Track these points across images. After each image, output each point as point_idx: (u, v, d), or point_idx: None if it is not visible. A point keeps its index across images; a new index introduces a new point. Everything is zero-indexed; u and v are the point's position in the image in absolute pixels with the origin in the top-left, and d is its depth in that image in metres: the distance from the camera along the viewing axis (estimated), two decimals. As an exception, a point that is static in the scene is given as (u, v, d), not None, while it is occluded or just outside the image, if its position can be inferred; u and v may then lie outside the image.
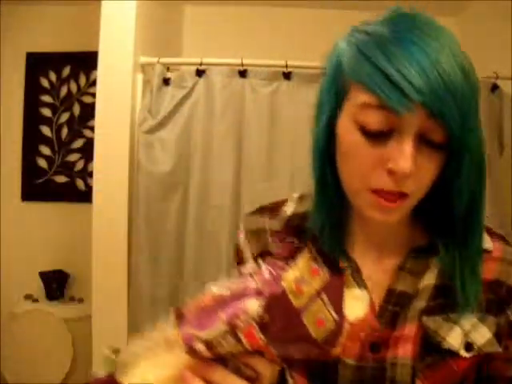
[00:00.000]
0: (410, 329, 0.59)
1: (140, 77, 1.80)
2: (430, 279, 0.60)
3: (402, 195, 0.53)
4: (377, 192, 0.53)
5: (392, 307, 0.60)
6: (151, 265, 1.73)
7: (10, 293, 2.45)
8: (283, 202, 0.71)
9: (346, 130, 0.54)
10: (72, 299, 2.45)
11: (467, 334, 0.59)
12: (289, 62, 1.77)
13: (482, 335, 0.59)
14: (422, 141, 0.51)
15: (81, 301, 2.43)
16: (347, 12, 2.50)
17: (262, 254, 0.67)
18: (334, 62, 0.56)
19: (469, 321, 0.59)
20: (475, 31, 2.24)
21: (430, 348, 0.58)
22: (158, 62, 1.77)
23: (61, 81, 2.55)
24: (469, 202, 0.55)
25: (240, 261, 0.70)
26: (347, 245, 0.63)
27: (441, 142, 0.51)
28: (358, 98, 0.52)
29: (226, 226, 1.73)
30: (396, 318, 0.60)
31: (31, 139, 2.56)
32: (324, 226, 0.61)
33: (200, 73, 1.78)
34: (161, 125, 1.76)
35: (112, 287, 1.72)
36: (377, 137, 0.51)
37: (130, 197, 1.74)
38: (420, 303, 0.60)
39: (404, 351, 0.59)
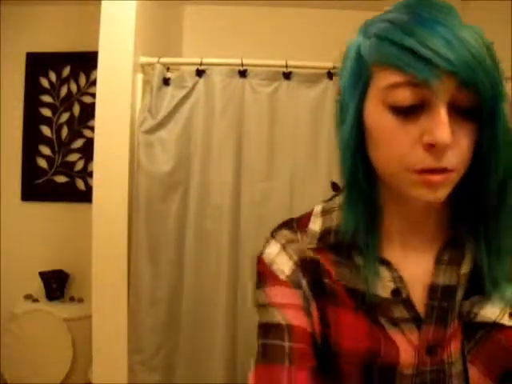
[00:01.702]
0: (457, 322, 0.59)
1: (140, 77, 1.80)
2: (467, 267, 0.59)
3: (446, 171, 0.51)
4: (419, 171, 0.52)
5: (438, 303, 0.59)
6: (151, 265, 1.73)
7: (10, 293, 2.45)
8: (306, 218, 0.68)
9: (376, 115, 0.54)
10: (72, 299, 2.45)
11: (508, 302, 0.57)
12: (289, 62, 1.77)
13: None
14: (454, 111, 0.50)
15: (81, 301, 2.43)
16: (347, 12, 2.50)
17: (303, 262, 0.64)
18: (353, 55, 0.56)
19: (508, 289, 0.57)
20: (475, 31, 2.24)
21: (472, 329, 0.58)
22: (158, 62, 1.77)
23: (61, 81, 2.55)
24: (502, 179, 0.54)
25: (270, 276, 0.64)
26: (383, 245, 0.62)
27: (472, 108, 0.50)
28: (385, 80, 0.52)
29: (225, 225, 1.73)
30: (445, 314, 0.59)
31: (31, 139, 2.56)
32: (358, 226, 0.59)
33: (200, 73, 1.77)
34: (161, 125, 1.76)
35: (112, 287, 1.72)
36: (408, 113, 0.51)
37: (130, 197, 1.74)
38: (461, 292, 0.59)
39: (455, 345, 0.58)
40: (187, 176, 1.76)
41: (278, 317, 0.61)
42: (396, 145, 0.52)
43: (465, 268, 0.59)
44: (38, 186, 2.56)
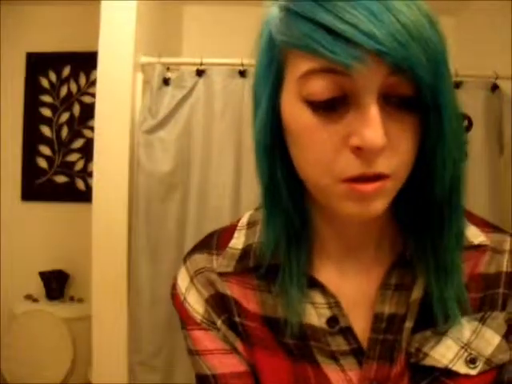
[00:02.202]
0: (404, 358, 0.49)
1: (140, 77, 1.80)
2: (418, 293, 0.50)
3: (381, 177, 0.41)
4: (347, 180, 0.42)
5: (383, 336, 0.49)
6: (151, 265, 1.73)
7: (10, 293, 2.45)
8: (230, 232, 0.58)
9: (292, 111, 0.43)
10: (72, 299, 2.45)
11: (467, 344, 0.48)
12: (289, 62, 1.77)
13: (488, 341, 0.48)
14: (387, 102, 0.40)
15: (81, 301, 2.43)
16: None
17: (215, 299, 0.54)
18: (265, 36, 0.46)
19: (467, 327, 0.48)
20: (475, 31, 2.24)
21: (419, 372, 0.48)
22: (158, 62, 1.77)
23: (61, 81, 2.55)
24: (450, 179, 0.44)
25: (186, 317, 0.56)
26: (315, 264, 0.52)
27: (411, 96, 0.40)
28: (298, 67, 0.41)
29: (225, 226, 1.73)
30: (391, 349, 0.49)
31: (31, 139, 2.56)
32: (279, 241, 0.49)
33: (200, 73, 1.77)
34: (161, 125, 1.76)
35: (112, 287, 1.72)
36: (329, 110, 0.41)
37: (130, 197, 1.74)
38: (410, 323, 0.49)
39: None
40: (187, 176, 1.76)
41: (204, 368, 0.54)
42: (317, 148, 0.42)
43: (416, 293, 0.49)
44: (38, 185, 2.55)
